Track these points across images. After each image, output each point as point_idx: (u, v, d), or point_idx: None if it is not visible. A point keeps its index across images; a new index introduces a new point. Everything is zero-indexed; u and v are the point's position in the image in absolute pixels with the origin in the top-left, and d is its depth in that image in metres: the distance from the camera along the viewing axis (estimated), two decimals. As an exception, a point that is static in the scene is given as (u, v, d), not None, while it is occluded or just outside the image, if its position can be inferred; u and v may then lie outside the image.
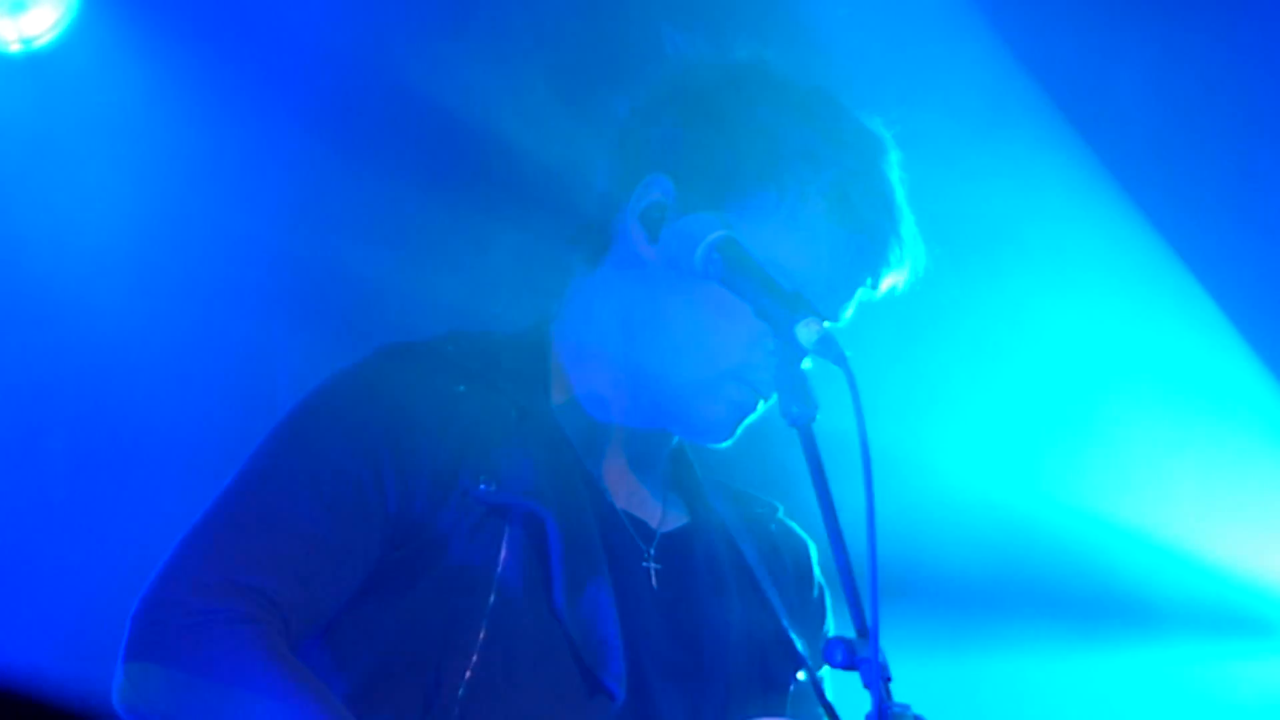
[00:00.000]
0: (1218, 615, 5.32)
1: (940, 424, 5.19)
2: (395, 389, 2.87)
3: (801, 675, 3.05)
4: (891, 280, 3.02)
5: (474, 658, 2.80)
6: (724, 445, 3.03)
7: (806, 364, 2.73)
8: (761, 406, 3.00)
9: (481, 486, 2.85)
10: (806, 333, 2.70)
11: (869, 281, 3.01)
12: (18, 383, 4.86)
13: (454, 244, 4.92)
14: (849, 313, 3.02)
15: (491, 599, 2.82)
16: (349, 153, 5.04)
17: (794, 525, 3.24)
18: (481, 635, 2.81)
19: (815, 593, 3.21)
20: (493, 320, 3.11)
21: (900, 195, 3.00)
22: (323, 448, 2.81)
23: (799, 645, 3.07)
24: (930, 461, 5.17)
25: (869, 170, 2.97)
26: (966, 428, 5.20)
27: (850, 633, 2.59)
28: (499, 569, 2.83)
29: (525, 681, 2.82)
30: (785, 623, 3.07)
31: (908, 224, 3.00)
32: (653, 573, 2.99)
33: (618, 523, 2.97)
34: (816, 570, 3.22)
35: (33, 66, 4.86)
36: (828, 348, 2.68)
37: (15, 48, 4.79)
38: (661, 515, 3.06)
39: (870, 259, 2.99)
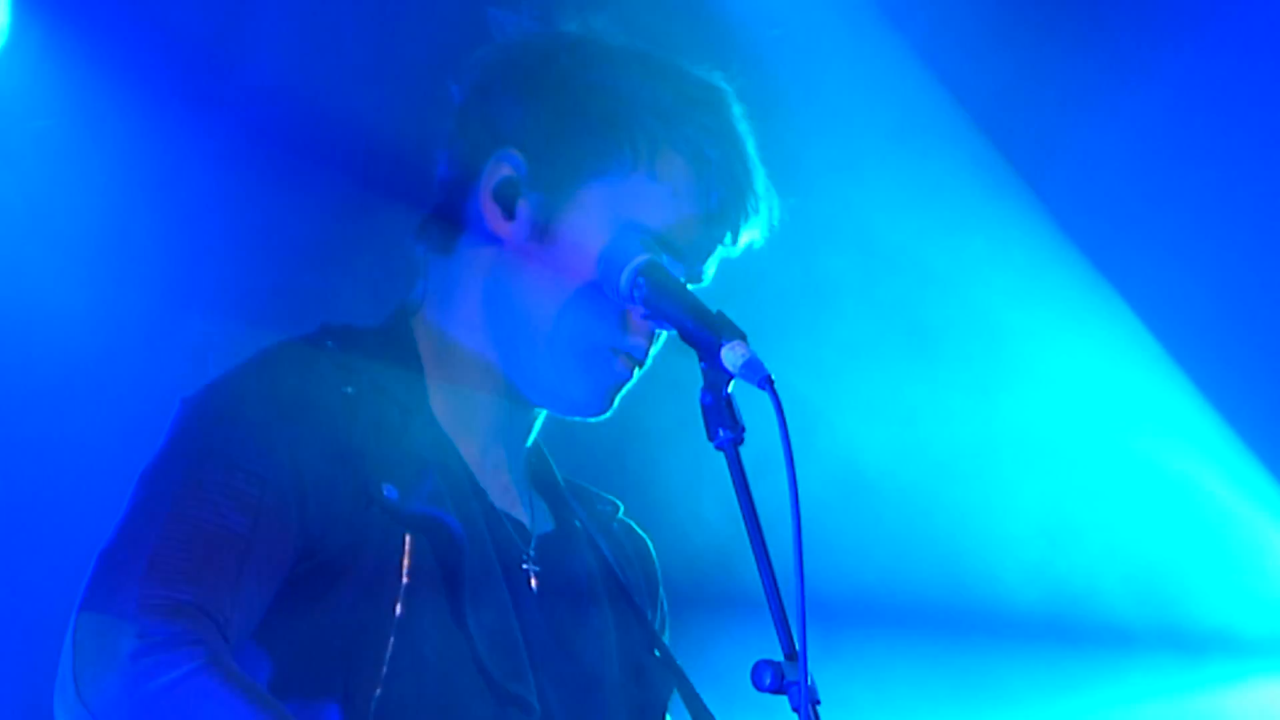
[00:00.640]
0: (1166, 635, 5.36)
1: (882, 439, 5.21)
2: (294, 392, 2.82)
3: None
4: (749, 235, 3.00)
5: (383, 670, 2.78)
6: (602, 418, 3.00)
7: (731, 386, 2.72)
8: (637, 374, 2.98)
9: (385, 494, 2.82)
10: (732, 356, 2.69)
11: (728, 237, 2.98)
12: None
13: (310, 239, 4.95)
14: (711, 271, 3.00)
15: (398, 610, 2.80)
16: (223, 155, 5.07)
17: (634, 525, 3.23)
18: (389, 648, 2.79)
19: (660, 596, 3.20)
20: (347, 313, 3.07)
21: (751, 146, 2.98)
22: (241, 455, 2.75)
23: (666, 656, 3.05)
24: (871, 480, 5.19)
25: (720, 123, 2.96)
26: (907, 442, 5.22)
27: (775, 655, 2.59)
28: (404, 579, 2.81)
29: (435, 695, 2.79)
30: (659, 633, 3.07)
31: (760, 175, 2.98)
32: (532, 575, 2.96)
33: (499, 523, 2.95)
34: (659, 573, 3.21)
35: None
36: (753, 371, 2.67)
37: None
38: (531, 516, 3.04)
39: (730, 213, 2.96)
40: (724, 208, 2.95)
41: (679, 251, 2.93)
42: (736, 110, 2.98)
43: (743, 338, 2.71)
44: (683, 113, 2.93)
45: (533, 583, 2.95)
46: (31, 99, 4.97)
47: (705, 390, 2.70)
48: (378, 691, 2.76)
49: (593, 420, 3.01)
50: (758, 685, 2.58)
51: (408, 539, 2.82)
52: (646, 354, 2.96)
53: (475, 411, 2.99)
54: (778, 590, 2.61)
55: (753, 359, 2.68)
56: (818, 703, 2.58)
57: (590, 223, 2.92)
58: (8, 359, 4.94)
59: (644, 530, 3.24)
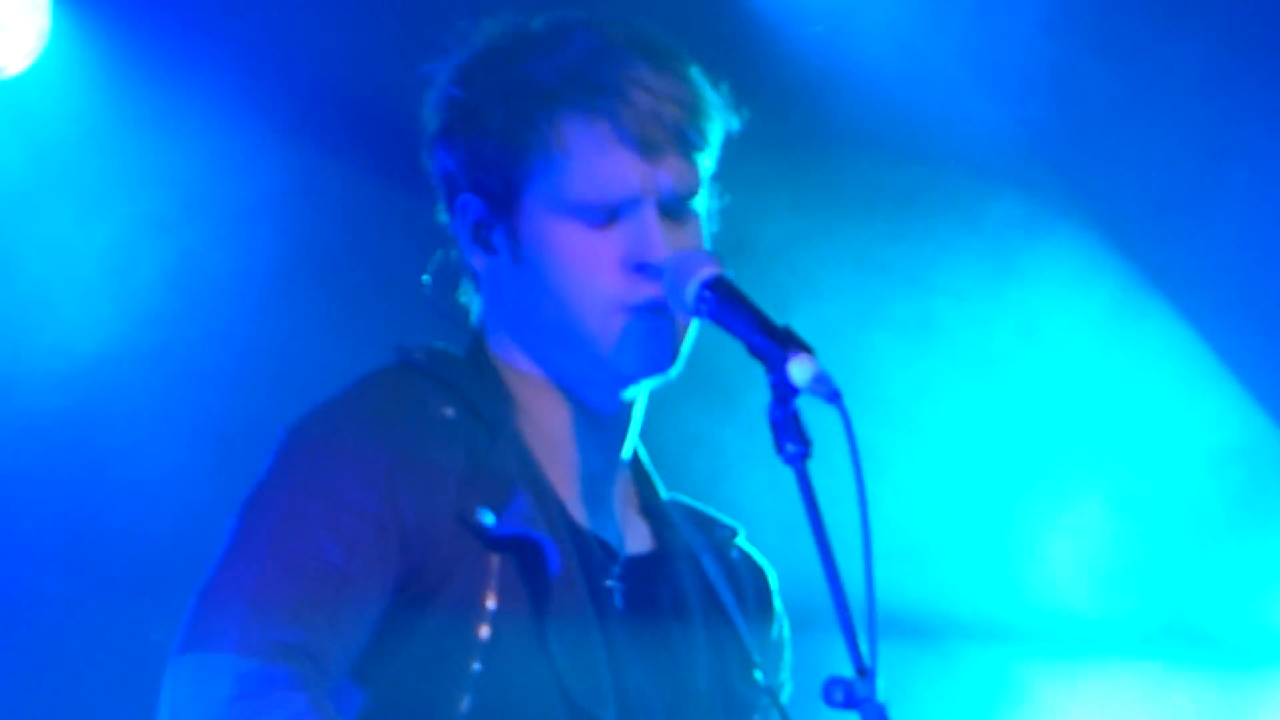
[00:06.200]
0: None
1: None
2: (394, 420, 2.83)
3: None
4: (705, 130, 2.94)
5: (467, 697, 2.78)
6: (669, 374, 2.95)
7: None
8: (677, 322, 2.91)
9: (478, 518, 2.82)
10: (800, 371, 2.66)
11: (686, 150, 2.93)
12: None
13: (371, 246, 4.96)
14: (688, 177, 2.94)
15: (484, 633, 2.79)
16: (326, 154, 5.05)
17: (754, 552, 3.21)
18: (475, 672, 2.78)
19: (776, 626, 3.19)
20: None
21: (640, 59, 2.92)
22: (339, 487, 2.76)
23: (763, 682, 3.02)
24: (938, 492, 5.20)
25: (592, 60, 2.92)
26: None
27: (846, 670, 2.57)
28: (492, 602, 2.80)
29: (519, 718, 2.79)
30: (755, 659, 3.04)
31: (673, 74, 2.94)
32: (617, 592, 2.95)
33: (586, 544, 2.94)
34: (777, 602, 3.20)
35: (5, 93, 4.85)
36: (821, 385, 2.65)
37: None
38: (622, 537, 3.02)
39: (661, 132, 2.91)
40: (649, 132, 2.91)
41: (631, 201, 2.90)
42: (606, 37, 2.95)
43: (810, 352, 2.69)
44: (557, 79, 2.92)
45: (618, 600, 2.93)
46: (72, 102, 4.97)
47: (773, 405, 2.68)
48: (463, 715, 2.76)
49: (661, 377, 2.96)
50: (829, 702, 2.57)
51: (496, 562, 2.81)
52: (661, 300, 2.89)
53: (555, 431, 2.98)
54: (848, 606, 2.59)
55: (821, 373, 2.66)
56: (888, 720, 2.57)
57: (541, 226, 2.93)
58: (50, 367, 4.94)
59: (764, 557, 3.22)
